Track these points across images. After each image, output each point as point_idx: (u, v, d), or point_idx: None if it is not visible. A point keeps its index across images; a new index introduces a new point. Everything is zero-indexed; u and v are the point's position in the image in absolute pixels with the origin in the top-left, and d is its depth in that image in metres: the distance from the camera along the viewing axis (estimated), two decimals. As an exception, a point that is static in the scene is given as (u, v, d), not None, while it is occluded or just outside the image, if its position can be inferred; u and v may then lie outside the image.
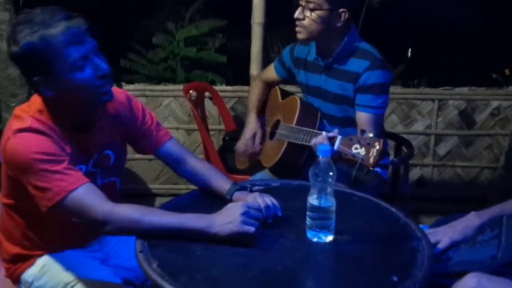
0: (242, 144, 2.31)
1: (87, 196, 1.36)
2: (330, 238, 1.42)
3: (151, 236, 1.39)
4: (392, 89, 2.08)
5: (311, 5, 1.96)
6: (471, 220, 1.59)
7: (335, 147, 1.62)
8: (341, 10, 1.98)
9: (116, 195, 1.60)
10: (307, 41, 2.10)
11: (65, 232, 1.54)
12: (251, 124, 2.32)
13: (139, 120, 1.63)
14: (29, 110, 1.42)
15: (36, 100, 1.44)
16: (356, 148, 1.58)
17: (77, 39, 1.32)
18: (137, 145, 1.67)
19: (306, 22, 1.98)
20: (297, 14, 1.99)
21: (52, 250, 1.58)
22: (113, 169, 1.60)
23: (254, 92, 2.40)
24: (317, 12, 1.96)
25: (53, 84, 1.35)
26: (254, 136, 2.29)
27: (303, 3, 1.97)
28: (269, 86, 2.40)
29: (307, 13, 1.97)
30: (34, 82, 1.36)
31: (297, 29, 2.02)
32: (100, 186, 1.48)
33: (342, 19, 2.00)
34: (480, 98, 3.24)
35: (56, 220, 1.47)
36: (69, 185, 1.35)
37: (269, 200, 1.50)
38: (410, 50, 5.71)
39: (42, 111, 1.42)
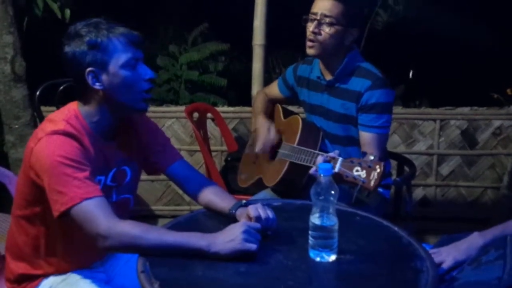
0: (260, 141, 2.22)
1: (96, 208, 1.39)
2: (333, 257, 1.40)
3: (153, 254, 1.38)
4: (394, 109, 2.08)
5: (329, 20, 1.97)
6: (475, 240, 1.58)
7: (336, 169, 1.62)
8: (354, 29, 2.01)
9: (128, 213, 1.64)
10: (318, 57, 2.10)
11: (71, 250, 1.56)
12: (262, 123, 2.26)
13: (154, 136, 1.69)
14: (64, 115, 1.49)
15: (71, 107, 1.52)
16: (357, 171, 1.58)
17: (135, 43, 1.48)
18: (150, 162, 1.69)
19: (322, 37, 1.98)
20: (312, 28, 1.98)
21: (58, 270, 1.59)
22: (128, 186, 1.63)
23: (259, 101, 2.40)
24: (334, 27, 1.97)
25: (106, 76, 1.46)
26: (269, 130, 2.24)
27: (318, 17, 1.98)
28: (272, 102, 2.41)
29: (325, 28, 1.98)
30: (87, 73, 1.45)
31: (310, 44, 2.01)
32: (115, 202, 1.53)
33: (353, 38, 2.03)
34: (482, 118, 3.25)
35: (64, 235, 1.50)
36: (84, 194, 1.38)
37: (270, 212, 1.51)
38: (411, 71, 5.75)
39: (78, 116, 1.49)
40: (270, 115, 2.40)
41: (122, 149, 1.60)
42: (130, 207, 1.67)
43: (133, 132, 1.64)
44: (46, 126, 1.47)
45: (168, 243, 1.38)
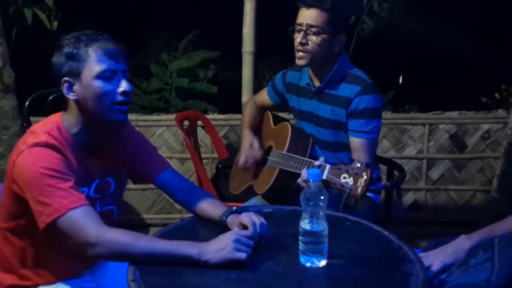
0: (242, 156, 2.26)
1: (84, 217, 1.38)
2: (323, 262, 1.41)
3: (143, 262, 1.38)
4: (383, 114, 2.10)
5: (315, 30, 1.98)
6: (462, 243, 1.59)
7: (324, 176, 1.63)
8: (341, 34, 2.03)
9: (113, 224, 1.60)
10: (308, 66, 2.11)
11: (60, 260, 1.55)
12: (246, 138, 2.30)
13: (142, 147, 1.68)
14: (46, 127, 1.48)
15: (54, 119, 1.52)
16: (344, 178, 1.60)
17: (113, 56, 1.47)
18: (136, 172, 1.69)
19: (310, 47, 1.99)
20: (300, 39, 1.99)
21: (47, 281, 1.57)
22: (112, 197, 1.62)
23: (247, 112, 2.41)
24: (321, 36, 1.99)
25: (79, 87, 1.46)
26: (251, 145, 2.27)
27: (304, 28, 2.00)
28: (261, 109, 2.42)
29: (312, 38, 1.99)
30: (63, 83, 1.47)
31: (300, 54, 2.02)
32: (98, 213, 1.50)
33: (341, 43, 2.04)
34: (470, 122, 3.28)
35: (52, 245, 1.49)
36: (70, 204, 1.38)
37: (262, 219, 1.51)
38: (400, 76, 5.80)
39: (60, 128, 1.49)
40: (259, 124, 2.41)
41: (106, 160, 1.58)
42: (114, 219, 1.66)
43: (118, 143, 1.63)
44: (27, 138, 1.46)
45: (159, 251, 1.38)
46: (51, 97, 2.75)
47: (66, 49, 1.46)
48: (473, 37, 4.26)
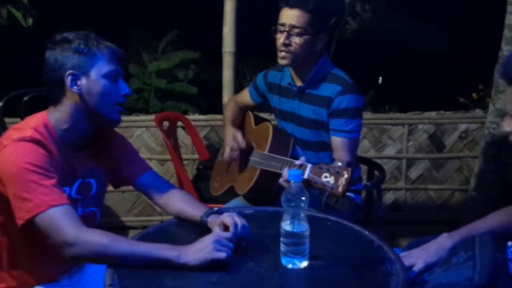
0: (227, 149, 2.23)
1: (64, 216, 1.36)
2: (304, 263, 1.40)
3: (121, 265, 1.35)
4: (364, 114, 2.11)
5: (298, 30, 1.97)
6: (444, 241, 1.60)
7: (305, 175, 1.63)
8: (322, 35, 2.03)
9: (95, 226, 1.59)
10: (289, 66, 2.11)
11: (37, 262, 1.52)
12: (229, 131, 2.28)
13: (124, 148, 1.68)
14: (32, 123, 1.47)
15: (40, 116, 1.50)
16: (325, 177, 1.60)
17: (119, 58, 1.53)
18: (118, 174, 1.68)
19: (293, 47, 1.99)
20: (283, 40, 1.99)
21: (22, 284, 1.54)
22: (94, 199, 1.61)
23: (228, 111, 2.40)
24: (304, 36, 1.98)
25: (86, 81, 1.47)
26: (234, 137, 2.24)
27: (286, 28, 1.99)
28: (243, 109, 2.40)
29: (295, 39, 1.99)
30: (67, 75, 1.46)
31: (282, 54, 2.02)
32: (80, 216, 1.49)
33: (323, 44, 2.04)
34: (448, 122, 3.32)
35: (29, 246, 1.47)
36: (51, 201, 1.36)
37: (245, 221, 1.50)
38: (380, 77, 5.85)
39: (47, 124, 1.47)
40: (241, 122, 2.39)
41: (89, 160, 1.58)
42: (96, 221, 1.64)
43: (102, 144, 1.62)
44: (12, 134, 1.45)
45: (138, 254, 1.36)
46: (26, 98, 2.70)
47: (76, 44, 1.47)
48: (452, 38, 4.32)
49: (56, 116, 1.50)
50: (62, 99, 1.49)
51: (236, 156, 2.22)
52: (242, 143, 2.22)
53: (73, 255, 1.37)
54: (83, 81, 1.47)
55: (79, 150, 1.55)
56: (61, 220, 1.36)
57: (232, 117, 2.36)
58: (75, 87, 1.47)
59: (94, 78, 1.48)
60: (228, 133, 2.28)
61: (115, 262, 1.36)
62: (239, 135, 2.24)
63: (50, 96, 1.51)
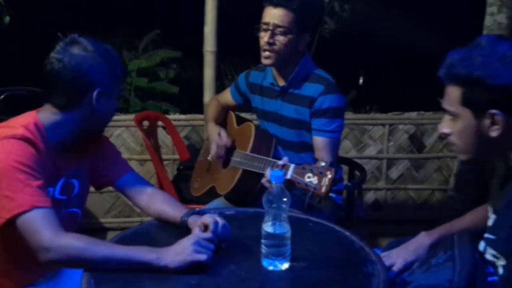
0: (213, 146, 2.20)
1: (43, 218, 1.34)
2: (286, 265, 1.39)
3: (99, 269, 1.33)
4: (345, 115, 2.11)
5: (282, 29, 1.96)
6: (422, 240, 1.60)
7: (288, 175, 1.62)
8: (306, 34, 2.02)
9: (76, 228, 1.59)
10: (273, 66, 2.09)
11: (14, 265, 1.50)
12: (213, 129, 2.25)
13: (107, 149, 1.67)
14: (22, 121, 1.45)
15: (30, 115, 1.48)
16: (308, 177, 1.59)
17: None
18: (99, 174, 1.66)
19: (277, 47, 1.98)
20: (267, 39, 1.98)
21: None
22: (77, 199, 1.59)
23: (210, 111, 2.38)
24: (288, 36, 1.97)
25: (106, 100, 1.50)
26: (220, 135, 2.21)
27: (270, 27, 1.98)
28: (225, 109, 2.39)
29: (279, 38, 1.97)
30: (96, 92, 1.47)
31: (266, 54, 2.00)
32: (62, 216, 1.49)
33: (305, 43, 2.04)
34: (428, 122, 3.35)
35: (6, 248, 1.45)
36: (35, 202, 1.35)
37: (226, 222, 1.49)
38: (361, 78, 5.88)
39: (37, 124, 1.45)
40: (223, 122, 2.37)
41: (73, 161, 1.57)
42: (77, 222, 1.62)
43: (87, 145, 1.60)
44: (2, 131, 1.42)
45: (116, 257, 1.34)
46: (2, 96, 2.64)
47: (113, 65, 1.49)
48: (432, 38, 4.36)
49: (50, 118, 1.48)
50: (72, 105, 1.47)
51: (222, 153, 2.19)
52: (228, 141, 2.20)
53: (49, 260, 1.34)
54: (104, 100, 1.49)
55: (64, 150, 1.53)
56: (40, 223, 1.34)
57: (214, 116, 2.34)
58: (96, 103, 1.48)
59: (112, 98, 1.53)
60: (212, 131, 2.25)
61: (93, 266, 1.33)
62: (223, 132, 2.22)
63: (56, 99, 1.48)
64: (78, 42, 1.47)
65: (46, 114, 1.49)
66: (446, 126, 1.36)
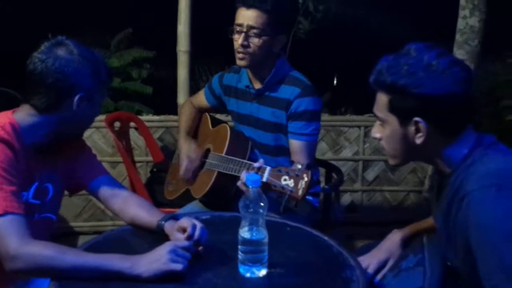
0: (182, 169, 2.16)
1: (11, 225, 1.30)
2: (263, 272, 1.35)
3: (67, 278, 1.27)
4: (321, 116, 2.09)
5: (256, 31, 1.93)
6: (393, 236, 1.61)
7: (264, 178, 1.59)
8: (281, 35, 1.99)
9: (50, 233, 1.56)
10: (248, 68, 2.06)
11: None
12: (183, 148, 2.20)
13: (81, 151, 1.63)
14: None
15: (5, 115, 1.44)
16: (285, 180, 1.56)
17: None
18: (73, 177, 1.61)
19: (251, 49, 1.95)
20: (241, 41, 1.94)
21: None
22: (51, 204, 1.55)
23: (183, 115, 2.33)
24: (262, 38, 1.94)
25: (87, 105, 1.46)
26: (189, 157, 2.16)
27: (244, 29, 1.94)
28: (199, 111, 2.34)
29: (253, 40, 1.94)
30: (78, 96, 1.43)
31: (240, 55, 1.97)
32: (36, 221, 1.46)
33: (280, 45, 2.01)
34: (403, 124, 3.36)
35: None
36: (7, 207, 1.30)
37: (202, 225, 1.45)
38: (335, 79, 5.90)
39: (14, 124, 1.41)
40: (197, 126, 2.32)
41: (47, 164, 1.52)
42: (52, 228, 1.57)
43: (60, 147, 1.54)
44: None
45: (86, 266, 1.28)
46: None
47: (96, 68, 1.45)
48: (407, 39, 4.39)
49: (27, 119, 1.43)
50: (52, 108, 1.42)
51: (191, 174, 2.15)
52: (197, 161, 2.15)
53: (16, 269, 1.28)
54: (85, 104, 1.45)
55: (39, 152, 1.48)
56: (9, 230, 1.28)
57: (187, 123, 2.29)
58: (77, 108, 1.44)
59: (95, 103, 1.50)
60: (183, 147, 2.20)
61: (62, 275, 1.28)
62: (193, 154, 2.16)
63: (36, 100, 1.42)
64: (64, 44, 1.43)
65: (23, 115, 1.44)
66: (376, 131, 1.38)
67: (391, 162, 1.40)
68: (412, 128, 1.28)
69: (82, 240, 3.14)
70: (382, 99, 1.31)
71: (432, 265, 1.46)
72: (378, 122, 1.37)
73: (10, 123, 1.41)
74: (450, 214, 1.30)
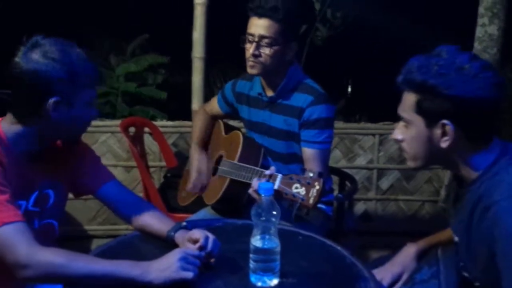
0: (190, 183, 2.17)
1: (17, 234, 1.28)
2: (275, 281, 1.33)
3: (79, 284, 1.27)
4: (335, 124, 2.08)
5: (267, 41, 1.92)
6: (408, 250, 1.58)
7: (275, 186, 1.58)
8: (292, 43, 1.98)
9: (53, 239, 1.53)
10: (260, 76, 2.05)
11: None
12: (194, 160, 2.21)
13: (83, 156, 1.59)
14: None
15: None
16: (296, 188, 1.55)
17: (98, 81, 1.45)
18: (78, 184, 1.59)
19: (262, 58, 1.94)
20: (252, 50, 1.93)
21: None
22: (52, 210, 1.52)
23: (197, 124, 2.33)
24: (274, 47, 1.93)
25: (67, 109, 1.38)
26: (199, 171, 2.18)
27: (256, 39, 1.93)
28: (213, 118, 2.33)
29: (265, 49, 1.93)
30: (52, 101, 1.35)
31: (251, 63, 1.96)
32: (37, 229, 1.44)
33: (293, 52, 2.00)
34: (419, 133, 3.32)
35: None
36: (4, 218, 1.28)
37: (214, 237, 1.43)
38: (350, 86, 5.87)
39: (0, 134, 1.38)
40: (210, 134, 2.32)
41: (46, 171, 1.48)
42: (55, 234, 1.55)
43: (59, 153, 1.52)
44: None
45: (97, 273, 1.27)
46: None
47: (64, 67, 1.34)
48: (425, 47, 4.35)
49: (11, 128, 1.39)
50: (29, 115, 1.38)
51: (198, 189, 2.16)
52: (206, 176, 2.16)
53: (27, 277, 1.27)
54: (64, 109, 1.38)
55: (34, 160, 1.45)
56: (13, 239, 1.27)
57: (200, 131, 2.29)
58: (54, 113, 1.37)
59: (76, 106, 1.39)
60: (194, 158, 2.20)
61: (73, 282, 1.27)
62: (204, 168, 2.17)
63: (15, 107, 1.39)
64: (39, 46, 1.36)
65: (7, 124, 1.41)
66: (398, 133, 1.34)
67: (411, 164, 1.36)
68: (438, 131, 1.25)
69: (95, 243, 3.16)
70: (409, 99, 1.28)
71: (447, 277, 1.43)
72: (401, 123, 1.33)
73: None
74: (472, 223, 1.26)
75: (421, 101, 1.25)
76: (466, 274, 1.37)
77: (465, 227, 1.29)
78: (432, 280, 1.46)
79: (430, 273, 1.49)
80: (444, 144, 1.25)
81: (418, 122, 1.27)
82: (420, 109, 1.26)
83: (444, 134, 1.24)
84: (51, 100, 1.35)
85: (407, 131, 1.31)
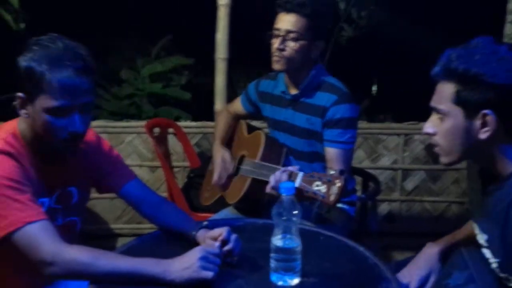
0: (216, 174, 2.17)
1: (41, 232, 1.30)
2: (296, 281, 1.34)
3: (103, 281, 1.29)
4: (358, 124, 2.07)
5: (293, 35, 1.93)
6: (430, 250, 1.54)
7: (297, 184, 1.57)
8: (319, 41, 1.97)
9: (76, 236, 1.56)
10: (284, 72, 2.06)
11: (17, 276, 1.46)
12: (217, 154, 2.21)
13: (106, 157, 1.61)
14: (1, 134, 1.39)
15: (10, 125, 1.43)
16: (317, 185, 1.54)
17: (70, 91, 1.31)
18: (101, 183, 1.62)
19: (287, 52, 1.95)
20: (277, 44, 1.95)
21: None
22: (75, 208, 1.55)
23: (220, 123, 2.35)
24: (299, 42, 1.93)
25: (31, 109, 1.35)
26: (224, 162, 2.18)
27: (282, 33, 1.94)
28: (235, 118, 2.35)
29: (290, 44, 1.94)
30: (17, 97, 1.36)
31: (276, 58, 1.97)
32: (60, 226, 1.45)
33: (318, 50, 1.99)
34: (445, 133, 3.26)
35: (7, 261, 1.40)
36: (27, 217, 1.30)
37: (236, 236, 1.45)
38: (375, 86, 5.81)
39: (16, 135, 1.40)
40: (232, 133, 2.33)
41: (67, 170, 1.51)
42: (77, 230, 1.58)
43: (80, 153, 1.52)
44: None
45: (120, 271, 1.30)
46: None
47: (30, 64, 1.30)
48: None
49: (22, 125, 1.41)
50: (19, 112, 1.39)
51: (224, 180, 2.16)
52: (231, 167, 2.17)
53: (52, 274, 1.30)
54: (29, 108, 1.35)
55: (53, 160, 1.46)
56: (38, 238, 1.29)
57: (222, 132, 2.30)
58: (22, 111, 1.37)
59: (37, 109, 1.33)
60: (217, 156, 2.21)
61: (97, 279, 1.30)
62: (228, 157, 2.18)
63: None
64: (34, 44, 1.34)
65: (20, 122, 1.42)
66: (431, 126, 1.30)
67: (444, 160, 1.31)
68: (477, 122, 1.21)
69: (120, 242, 3.21)
70: (446, 90, 1.24)
71: (484, 280, 1.39)
72: (434, 116, 1.29)
73: (12, 133, 1.40)
74: (509, 218, 1.21)
75: (461, 91, 1.21)
76: (501, 275, 1.33)
77: (499, 223, 1.24)
78: (470, 285, 1.41)
79: (464, 278, 1.44)
80: (484, 135, 1.21)
81: (456, 113, 1.23)
82: (459, 99, 1.22)
83: (484, 125, 1.20)
84: (17, 95, 1.35)
85: (442, 124, 1.27)
